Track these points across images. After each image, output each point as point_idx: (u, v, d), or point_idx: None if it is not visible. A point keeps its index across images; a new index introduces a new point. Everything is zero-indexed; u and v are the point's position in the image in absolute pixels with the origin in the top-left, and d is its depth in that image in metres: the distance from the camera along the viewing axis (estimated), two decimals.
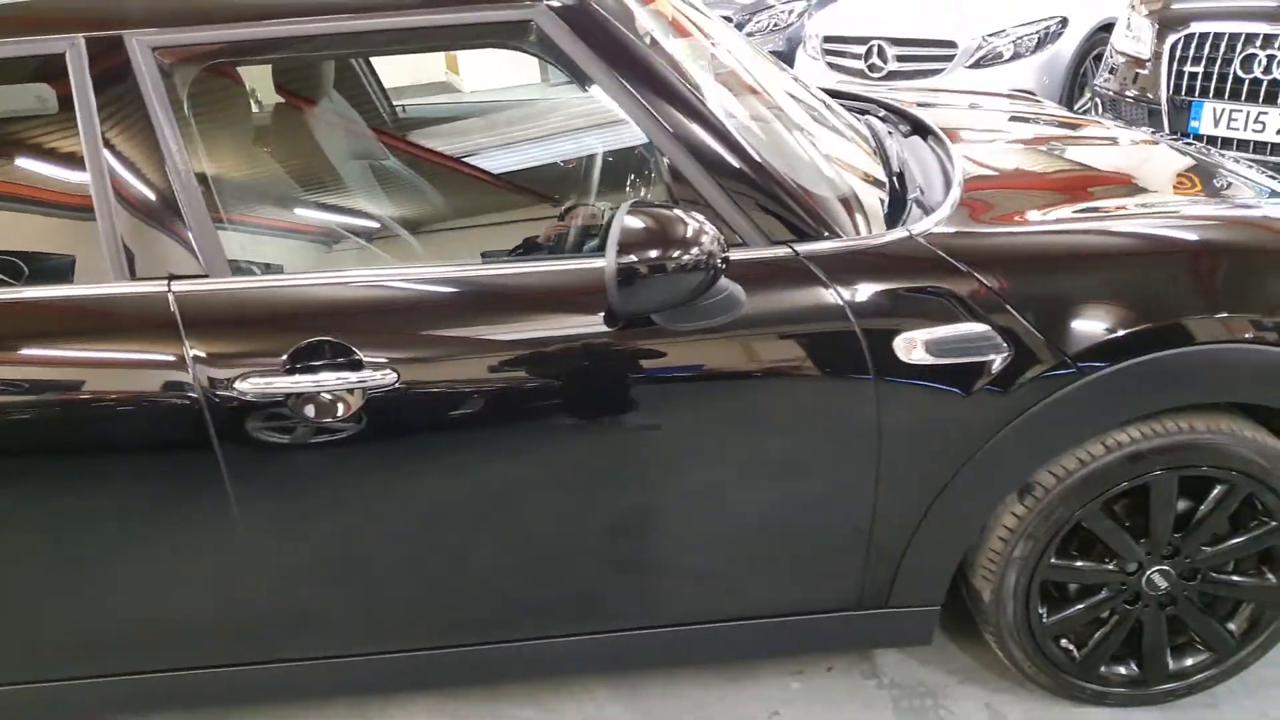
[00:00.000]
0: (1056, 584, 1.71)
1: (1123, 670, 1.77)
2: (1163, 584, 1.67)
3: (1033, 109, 2.49)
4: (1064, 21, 5.25)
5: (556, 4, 1.46)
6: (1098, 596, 1.69)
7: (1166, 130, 3.84)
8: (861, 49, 5.69)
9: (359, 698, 1.91)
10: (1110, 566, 1.67)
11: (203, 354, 1.41)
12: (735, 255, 1.45)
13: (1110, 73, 4.19)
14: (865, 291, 1.47)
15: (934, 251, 1.50)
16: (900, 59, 5.56)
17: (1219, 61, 3.64)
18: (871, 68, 5.66)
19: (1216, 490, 1.60)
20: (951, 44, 5.34)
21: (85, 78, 1.41)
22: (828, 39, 5.95)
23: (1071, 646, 1.74)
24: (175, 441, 1.44)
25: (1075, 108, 5.02)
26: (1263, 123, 3.54)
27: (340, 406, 1.42)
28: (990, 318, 1.46)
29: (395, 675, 1.70)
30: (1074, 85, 5.35)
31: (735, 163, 1.48)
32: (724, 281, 1.41)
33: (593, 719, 1.87)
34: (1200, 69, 3.69)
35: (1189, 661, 1.76)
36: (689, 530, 1.59)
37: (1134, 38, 4.03)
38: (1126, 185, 1.82)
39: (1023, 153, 2.02)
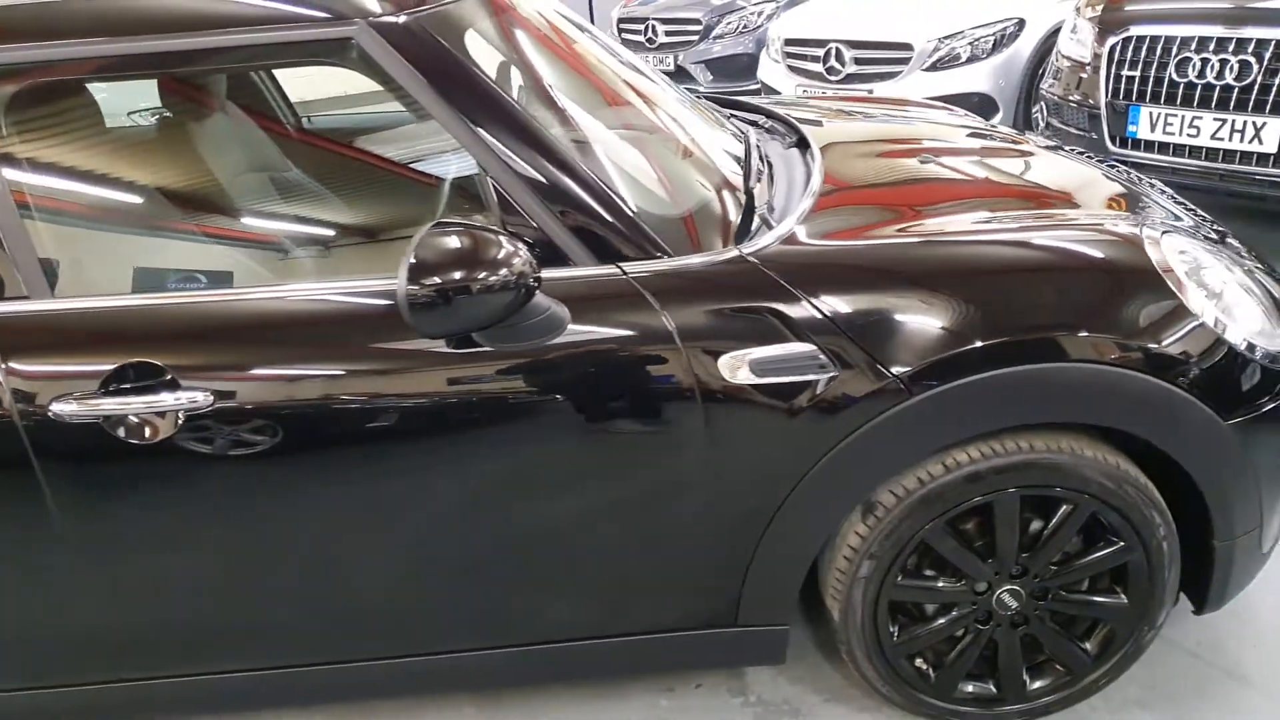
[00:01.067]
0: (910, 602, 1.69)
1: (980, 689, 1.75)
2: (1013, 603, 1.65)
3: (947, 120, 2.46)
4: (1020, 24, 5.21)
5: (378, 22, 1.45)
6: (948, 616, 1.67)
7: (1106, 135, 3.81)
8: (820, 52, 5.68)
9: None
10: (959, 586, 1.65)
11: (19, 375, 1.40)
12: (561, 274, 1.44)
13: (1055, 77, 4.16)
14: (691, 311, 1.45)
15: (761, 270, 1.48)
16: (858, 62, 5.53)
17: (1155, 65, 3.61)
18: (830, 70, 5.64)
19: (1062, 510, 1.58)
20: (908, 47, 5.31)
21: None
22: (789, 42, 5.93)
23: (926, 665, 1.73)
24: None
25: (1032, 111, 4.99)
26: (1197, 127, 3.51)
27: (152, 428, 1.41)
28: (815, 337, 1.45)
29: (247, 694, 1.69)
30: (1031, 88, 5.31)
31: (561, 182, 1.47)
32: (543, 301, 1.40)
33: None
34: (1138, 73, 3.66)
35: (1046, 681, 1.74)
36: (532, 550, 1.58)
37: (1077, 41, 4.00)
38: (988, 200, 1.80)
39: (894, 166, 1.99)
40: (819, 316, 1.45)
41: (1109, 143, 3.82)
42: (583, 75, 1.81)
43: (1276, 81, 3.27)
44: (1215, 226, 1.88)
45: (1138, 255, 1.56)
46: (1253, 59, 3.32)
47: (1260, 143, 3.34)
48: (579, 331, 1.44)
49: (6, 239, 1.43)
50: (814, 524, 1.57)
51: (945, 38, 5.24)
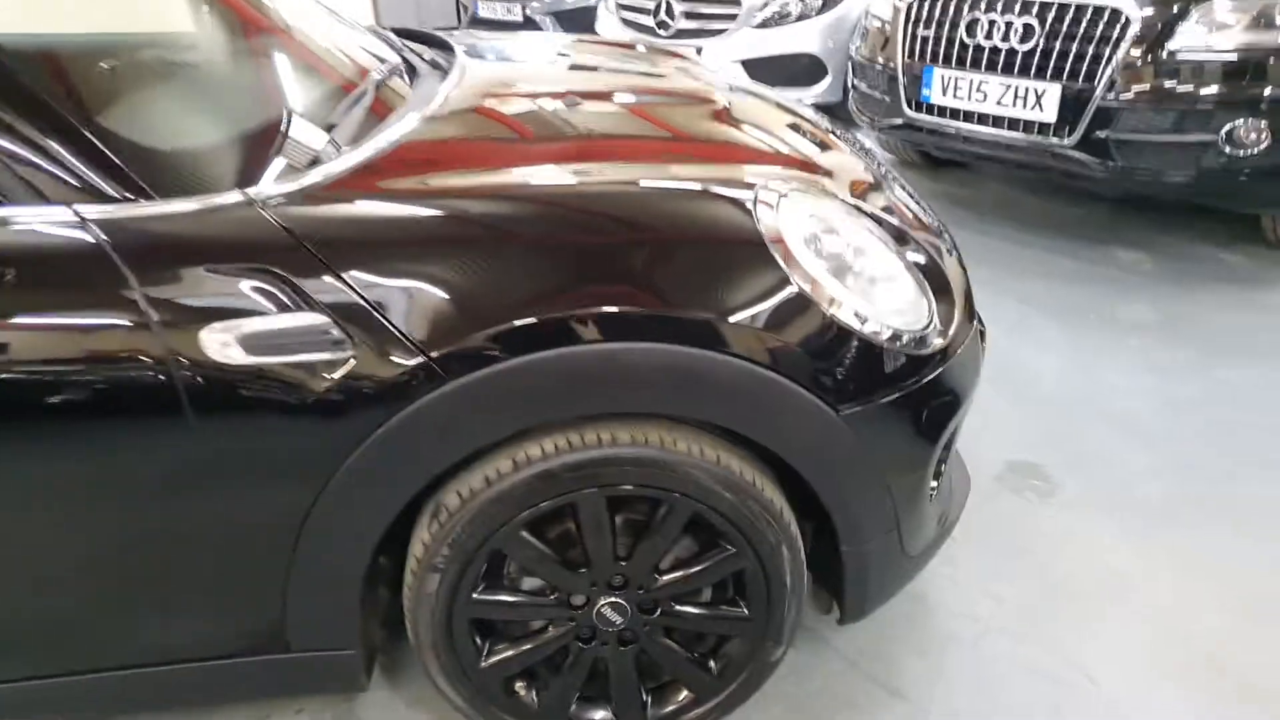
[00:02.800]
0: (501, 620, 1.44)
1: (599, 715, 1.52)
2: (616, 618, 1.42)
3: (671, 71, 2.19)
4: None
5: None
6: (544, 635, 1.43)
7: (903, 99, 3.64)
8: (651, 5, 5.40)
9: None
10: (551, 600, 1.41)
11: None
12: None
13: (862, 38, 3.97)
14: (167, 271, 1.15)
15: (269, 221, 1.19)
16: (688, 16, 5.28)
17: (948, 26, 3.44)
18: (660, 25, 5.38)
19: (659, 512, 1.35)
20: (735, 2, 5.07)
21: None
22: None
23: (528, 690, 1.49)
24: None
25: None
26: (984, 92, 3.35)
27: None
28: (329, 308, 1.16)
29: None
30: None
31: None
32: None
33: None
34: (931, 32, 3.49)
35: (670, 705, 1.52)
36: (30, 567, 1.27)
37: (885, 1, 3.81)
38: (612, 153, 1.53)
39: (531, 111, 1.71)
40: (338, 282, 1.17)
41: (905, 106, 3.65)
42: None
43: (1057, 46, 3.13)
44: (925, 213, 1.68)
45: (739, 219, 1.32)
46: (1035, 21, 3.16)
47: (1041, 110, 3.20)
48: (22, 289, 1.12)
49: None
50: (350, 534, 1.29)
51: None
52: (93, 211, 1.15)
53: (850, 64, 4.10)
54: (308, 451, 1.22)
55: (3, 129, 1.13)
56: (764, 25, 5.08)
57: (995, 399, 2.51)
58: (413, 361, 1.19)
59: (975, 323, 1.60)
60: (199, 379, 1.16)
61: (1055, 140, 3.20)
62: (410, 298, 1.19)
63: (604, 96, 1.89)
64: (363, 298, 1.17)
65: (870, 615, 1.56)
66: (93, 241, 1.14)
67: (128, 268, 1.14)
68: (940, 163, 4.45)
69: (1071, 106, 3.11)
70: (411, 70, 1.92)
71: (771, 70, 5.02)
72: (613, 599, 1.40)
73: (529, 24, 7.21)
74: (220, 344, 1.16)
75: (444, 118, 1.55)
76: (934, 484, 1.52)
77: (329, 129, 1.42)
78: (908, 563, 1.54)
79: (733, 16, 5.09)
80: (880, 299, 1.38)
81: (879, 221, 1.49)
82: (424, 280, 1.20)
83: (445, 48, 2.12)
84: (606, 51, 2.35)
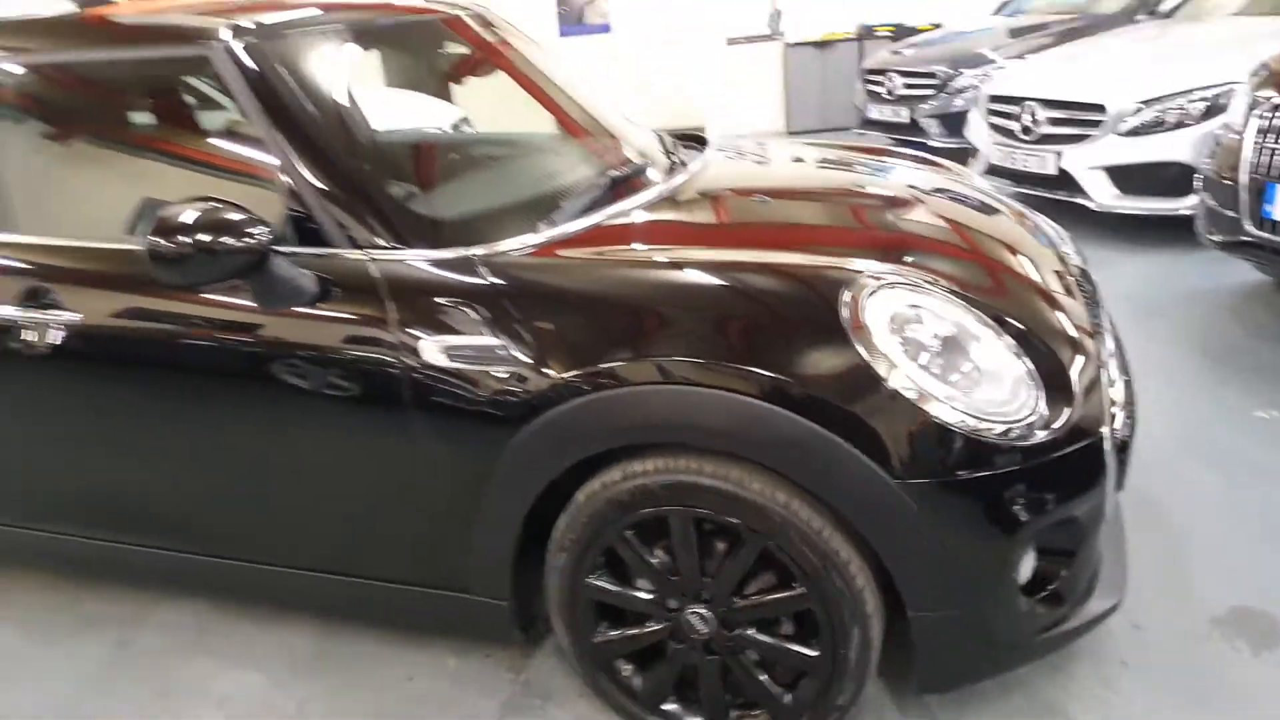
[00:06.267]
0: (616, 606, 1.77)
1: (688, 715, 1.77)
2: (702, 627, 1.68)
3: (892, 172, 2.43)
4: (1233, 91, 4.62)
5: (230, 45, 1.83)
6: (645, 626, 1.73)
7: (1245, 214, 3.35)
8: (1017, 109, 5.41)
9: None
10: (650, 596, 1.70)
11: None
12: (311, 251, 1.73)
13: (1213, 154, 3.71)
14: (412, 298, 1.68)
15: (479, 272, 1.67)
16: (1052, 121, 5.20)
17: None
18: (1025, 130, 5.35)
19: (740, 539, 1.60)
20: (1100, 108, 4.92)
21: None
22: (992, 99, 5.70)
23: (634, 674, 1.79)
24: None
25: None
26: None
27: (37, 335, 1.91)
28: (504, 334, 1.62)
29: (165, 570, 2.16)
30: None
31: (333, 180, 1.75)
32: (287, 269, 1.70)
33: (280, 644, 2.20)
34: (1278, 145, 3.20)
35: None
36: (285, 486, 1.89)
37: (1236, 112, 3.56)
38: (752, 240, 1.84)
39: (729, 204, 2.06)
40: (511, 318, 1.62)
41: (1247, 223, 3.36)
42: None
43: None
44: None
45: (824, 306, 1.54)
46: None
47: None
48: (325, 300, 1.72)
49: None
50: (508, 504, 1.71)
51: (1150, 101, 4.78)
52: (379, 254, 1.73)
53: (1201, 179, 3.83)
54: (484, 432, 1.66)
55: (338, 201, 1.74)
56: (1133, 133, 4.85)
57: (1237, 536, 2.29)
58: (550, 379, 1.59)
59: (1109, 432, 1.61)
60: (418, 374, 1.67)
61: None
62: (556, 334, 1.60)
63: (792, 194, 2.19)
64: (525, 330, 1.61)
65: (955, 690, 1.62)
66: (373, 277, 1.71)
67: (389, 294, 1.69)
68: None
69: None
70: (674, 165, 2.36)
71: (1135, 178, 4.78)
72: (699, 609, 1.67)
73: (913, 126, 7.48)
74: (434, 351, 1.66)
75: (647, 205, 1.96)
76: (1021, 577, 1.57)
77: (555, 209, 1.90)
78: (995, 649, 1.59)
79: (1095, 123, 4.93)
80: (968, 386, 1.51)
81: (999, 320, 1.61)
82: (567, 323, 1.61)
83: (703, 145, 2.55)
84: (841, 156, 2.61)
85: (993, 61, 7.07)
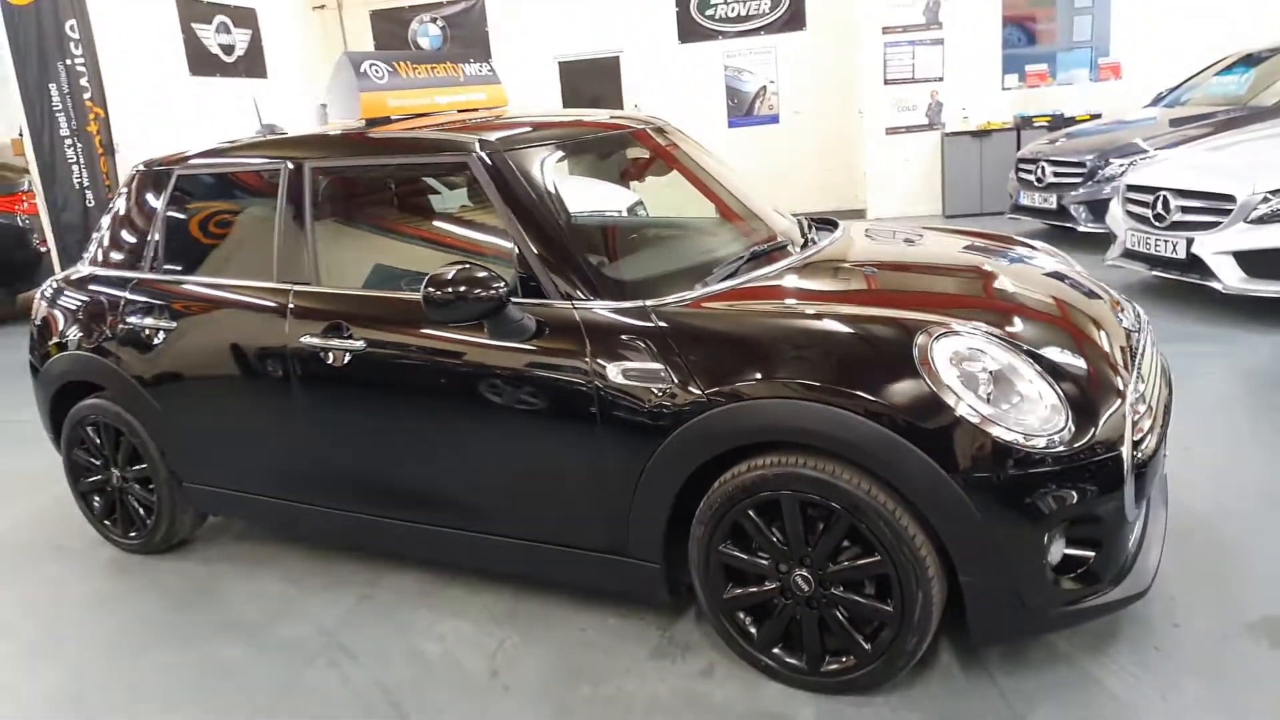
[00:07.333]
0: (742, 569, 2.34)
1: (795, 661, 2.31)
2: (805, 586, 2.23)
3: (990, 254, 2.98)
4: None
5: (480, 154, 2.61)
6: (762, 585, 2.30)
7: None
8: (1150, 198, 5.72)
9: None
10: (766, 561, 2.27)
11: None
12: (532, 301, 2.45)
13: None
14: (602, 334, 2.37)
15: (650, 316, 2.34)
16: (1183, 210, 5.50)
17: None
18: (1157, 217, 5.66)
19: (832, 518, 2.16)
20: (1230, 198, 5.19)
21: None
22: (1130, 187, 6.04)
23: (752, 624, 2.35)
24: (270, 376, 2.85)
25: None
26: None
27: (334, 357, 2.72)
28: (664, 360, 2.27)
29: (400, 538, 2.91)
30: None
31: (550, 252, 2.49)
32: (516, 313, 2.42)
33: (492, 609, 2.88)
34: None
35: (837, 665, 2.25)
36: (501, 468, 2.58)
37: None
38: (865, 299, 2.44)
39: (845, 271, 2.67)
40: (670, 349, 2.28)
41: None
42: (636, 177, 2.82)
43: None
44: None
45: (901, 344, 2.11)
46: None
47: None
48: (541, 336, 2.44)
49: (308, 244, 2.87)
50: (660, 485, 2.33)
51: (1273, 191, 5.04)
52: (580, 304, 2.43)
53: None
54: (648, 431, 2.31)
55: (551, 266, 2.47)
56: (1260, 221, 5.09)
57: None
58: (696, 395, 2.22)
59: (1128, 453, 2.08)
60: (604, 390, 2.34)
61: None
62: (702, 362, 2.24)
63: (898, 266, 2.81)
64: (678, 358, 2.25)
65: (997, 643, 2.09)
66: (576, 320, 2.41)
67: (586, 333, 2.38)
68: None
69: None
70: (806, 241, 2.99)
71: (1261, 263, 5.02)
72: (803, 572, 2.23)
73: (1061, 212, 7.81)
74: (616, 372, 2.33)
75: (779, 272, 2.59)
76: (1052, 558, 2.05)
77: (707, 274, 2.57)
78: (1027, 612, 2.07)
79: (1224, 212, 5.20)
80: (1011, 408, 2.04)
81: (1036, 358, 2.13)
82: (711, 354, 2.24)
83: (834, 227, 3.18)
84: (952, 241, 3.17)
85: (1144, 151, 7.34)
